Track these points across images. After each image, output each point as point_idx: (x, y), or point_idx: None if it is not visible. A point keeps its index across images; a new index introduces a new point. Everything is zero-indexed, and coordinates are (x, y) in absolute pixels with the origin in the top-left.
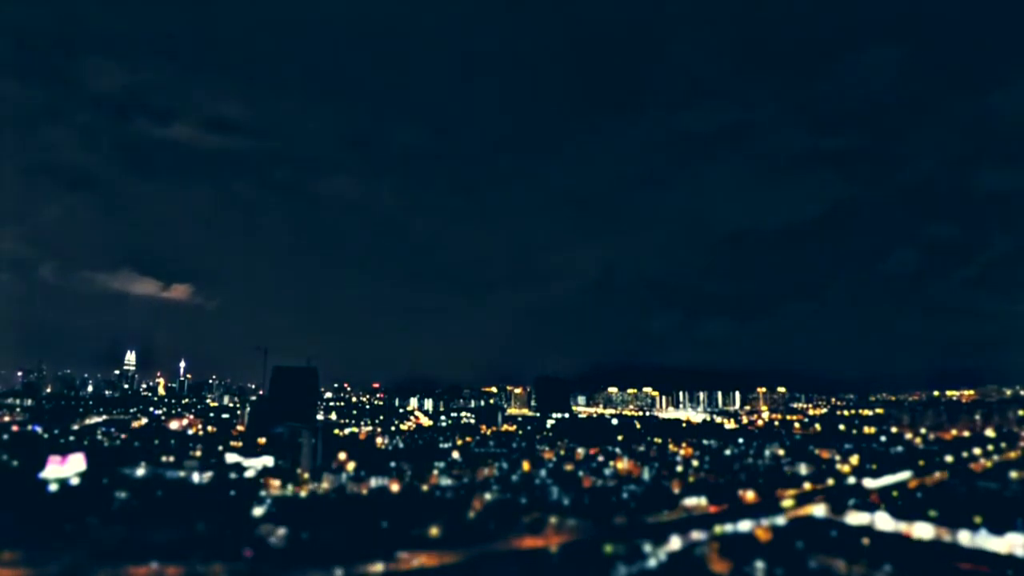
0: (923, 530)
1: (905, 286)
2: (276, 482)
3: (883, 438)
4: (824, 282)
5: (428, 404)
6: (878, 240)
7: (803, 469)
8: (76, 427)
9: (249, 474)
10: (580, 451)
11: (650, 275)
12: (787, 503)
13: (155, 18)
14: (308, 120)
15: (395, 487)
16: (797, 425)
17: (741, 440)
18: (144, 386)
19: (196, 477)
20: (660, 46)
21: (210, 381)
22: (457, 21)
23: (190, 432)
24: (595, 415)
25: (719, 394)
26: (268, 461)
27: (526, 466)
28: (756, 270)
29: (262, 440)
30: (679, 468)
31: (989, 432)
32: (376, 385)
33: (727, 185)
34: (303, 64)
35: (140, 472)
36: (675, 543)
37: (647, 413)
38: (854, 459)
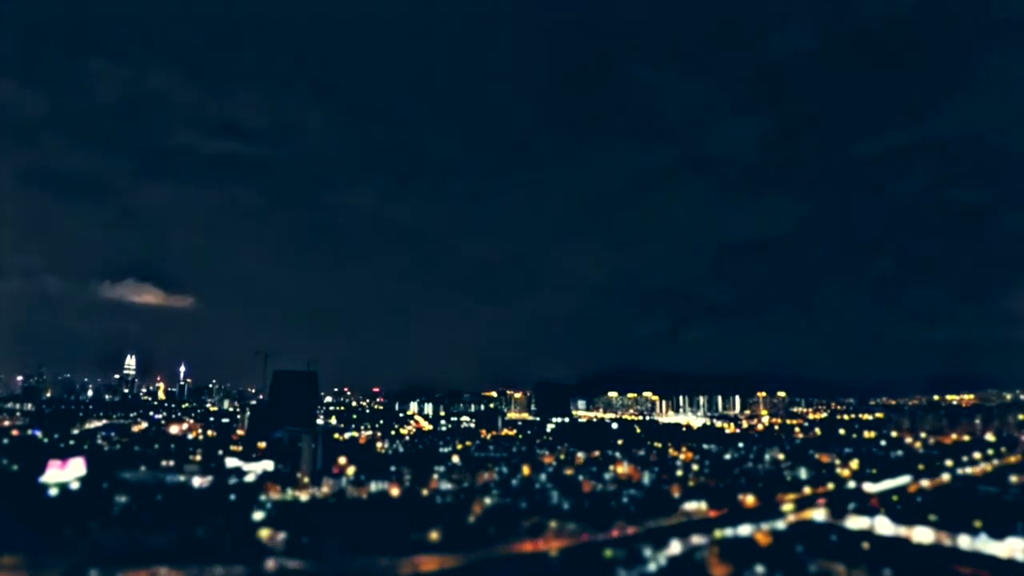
0: (923, 534)
1: (902, 292)
2: (276, 486)
3: (883, 442)
4: (821, 288)
5: (428, 408)
6: (864, 249)
7: (803, 473)
8: (76, 431)
9: (249, 478)
10: (580, 455)
11: (650, 282)
12: (787, 507)
13: (163, 20)
14: (312, 124)
15: (395, 491)
16: (797, 429)
17: (741, 444)
18: (144, 390)
19: (196, 481)
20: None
21: (210, 385)
22: (471, 31)
23: (190, 436)
24: (595, 419)
25: (719, 398)
26: (268, 465)
27: (526, 470)
28: (754, 277)
29: (262, 444)
30: (679, 472)
31: (989, 436)
32: (376, 389)
33: (704, 201)
34: (311, 68)
35: (140, 476)
36: (675, 547)
37: (647, 417)
38: (854, 463)
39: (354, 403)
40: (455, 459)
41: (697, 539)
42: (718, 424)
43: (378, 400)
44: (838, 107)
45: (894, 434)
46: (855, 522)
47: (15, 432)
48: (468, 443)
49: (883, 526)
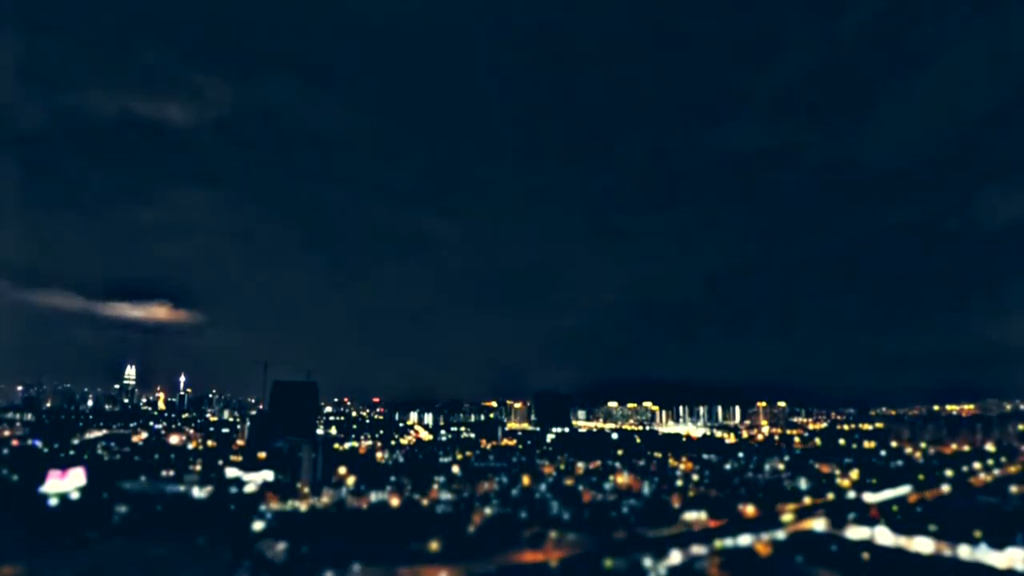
0: (923, 544)
1: (901, 303)
2: (276, 496)
3: (883, 452)
4: (821, 301)
5: (428, 418)
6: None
7: (803, 483)
8: (76, 441)
9: (249, 488)
10: (580, 465)
11: (651, 294)
12: (787, 517)
13: (178, 21)
14: (308, 126)
15: (395, 501)
16: (797, 439)
17: (741, 454)
18: (144, 400)
19: (196, 491)
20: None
21: (210, 395)
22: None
23: (190, 446)
24: (595, 429)
25: (719, 408)
26: (268, 475)
27: (526, 480)
28: (753, 290)
29: (262, 454)
30: (679, 482)
31: (989, 446)
32: (376, 399)
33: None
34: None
35: (140, 486)
36: (675, 557)
37: (647, 427)
38: (854, 473)
39: (354, 413)
40: (455, 469)
41: (697, 549)
42: (718, 434)
43: (378, 410)
44: None
45: (894, 444)
46: (855, 532)
47: (15, 442)
48: (468, 453)
49: (883, 536)
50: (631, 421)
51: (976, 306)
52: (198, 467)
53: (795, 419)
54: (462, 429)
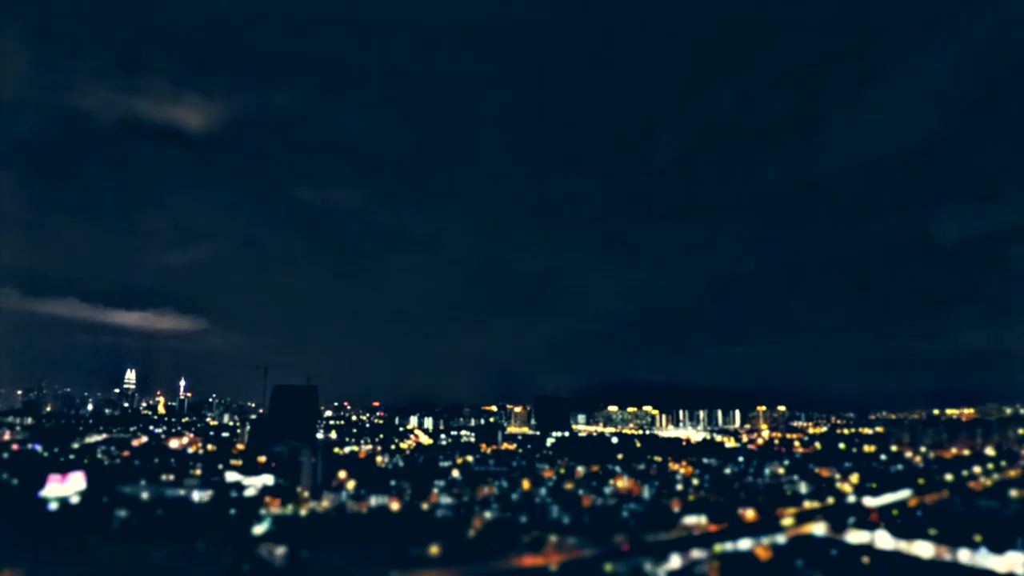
0: (923, 548)
1: (901, 306)
2: (276, 501)
3: (883, 456)
4: (820, 304)
5: (428, 423)
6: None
7: (803, 487)
8: (76, 445)
9: (249, 493)
10: (580, 469)
11: (651, 299)
12: (787, 521)
13: (169, 22)
14: (316, 131)
15: (395, 505)
16: (797, 443)
17: (741, 458)
18: (144, 405)
19: (196, 495)
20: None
21: (210, 400)
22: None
23: (190, 451)
24: (595, 433)
25: (719, 413)
26: (268, 480)
27: (526, 485)
28: (753, 294)
29: (262, 459)
30: (679, 487)
31: (989, 450)
32: (376, 404)
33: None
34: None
35: (140, 491)
36: (675, 562)
37: (647, 432)
38: (854, 477)
39: (354, 417)
40: (455, 473)
41: (697, 553)
42: (718, 438)
43: (378, 414)
44: None
45: (894, 448)
46: (855, 536)
47: (15, 446)
48: (468, 457)
49: (883, 540)
50: (631, 425)
51: (974, 310)
52: (198, 471)
53: (795, 423)
54: (462, 433)
